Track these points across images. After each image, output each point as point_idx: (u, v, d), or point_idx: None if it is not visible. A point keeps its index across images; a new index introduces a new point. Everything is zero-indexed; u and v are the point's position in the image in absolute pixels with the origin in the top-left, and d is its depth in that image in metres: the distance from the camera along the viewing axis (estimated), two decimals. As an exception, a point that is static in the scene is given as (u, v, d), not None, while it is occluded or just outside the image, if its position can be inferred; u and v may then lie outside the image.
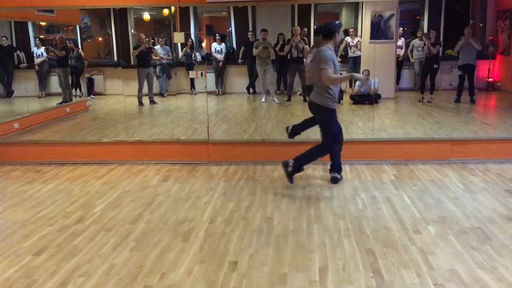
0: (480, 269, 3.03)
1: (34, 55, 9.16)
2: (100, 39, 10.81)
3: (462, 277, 2.93)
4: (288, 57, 8.96)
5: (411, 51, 9.80)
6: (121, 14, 9.65)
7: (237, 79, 10.55)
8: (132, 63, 9.43)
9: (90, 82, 9.76)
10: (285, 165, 4.70)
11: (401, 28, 10.29)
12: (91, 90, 9.73)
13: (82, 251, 3.43)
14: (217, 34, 10.37)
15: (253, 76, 10.02)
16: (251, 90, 10.27)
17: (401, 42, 10.29)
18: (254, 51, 9.17)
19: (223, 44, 10.39)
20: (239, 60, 10.42)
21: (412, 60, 9.88)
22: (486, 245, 3.38)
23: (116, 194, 4.71)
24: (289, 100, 8.98)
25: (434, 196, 4.44)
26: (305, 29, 9.59)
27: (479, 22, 9.58)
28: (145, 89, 8.81)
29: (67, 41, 9.16)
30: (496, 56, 9.72)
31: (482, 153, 5.57)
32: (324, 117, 4.68)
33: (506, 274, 2.95)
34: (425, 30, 10.12)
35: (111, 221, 4.00)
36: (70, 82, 9.05)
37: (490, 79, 9.64)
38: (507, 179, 4.92)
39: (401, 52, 10.25)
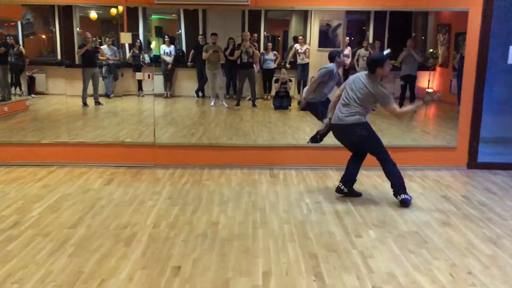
0: (416, 272, 3.15)
1: (-29, 51, 8.67)
2: (43, 36, 10.38)
3: (399, 279, 3.04)
4: (238, 62, 8.98)
5: (357, 60, 10.08)
6: (66, 11, 9.30)
7: (186, 82, 10.44)
8: (76, 62, 9.12)
9: (31, 81, 9.34)
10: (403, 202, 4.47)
11: (347, 38, 10.56)
12: (32, 89, 9.30)
13: (16, 257, 3.26)
14: (166, 36, 10.24)
15: (202, 80, 9.96)
16: (200, 94, 10.19)
17: (347, 51, 10.55)
18: (204, 55, 9.13)
19: (172, 46, 10.26)
20: (189, 63, 10.32)
21: (358, 69, 10.15)
22: (422, 248, 3.52)
23: (55, 198, 4.52)
24: (238, 104, 8.99)
25: (375, 201, 4.58)
26: (255, 35, 9.66)
27: (420, 35, 10.00)
28: (90, 90, 8.54)
29: (7, 37, 8.74)
30: (436, 67, 10.18)
31: (421, 160, 5.83)
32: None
33: (440, 277, 3.09)
34: (371, 41, 10.46)
35: (49, 226, 3.84)
36: (9, 80, 8.63)
37: (430, 90, 10.08)
38: (443, 185, 5.16)
39: (348, 60, 10.52)
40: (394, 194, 4.51)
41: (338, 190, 4.67)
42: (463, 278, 3.08)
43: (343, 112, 4.46)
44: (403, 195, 4.45)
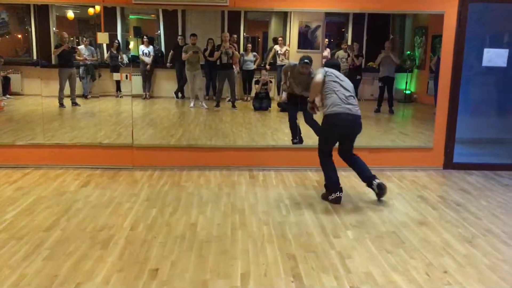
0: (393, 272, 3.18)
1: None
2: (18, 36, 10.18)
3: (377, 279, 3.07)
4: (218, 63, 8.97)
5: (336, 62, 10.16)
6: (42, 11, 9.15)
7: (165, 83, 10.36)
8: (53, 62, 8.97)
9: (6, 81, 9.15)
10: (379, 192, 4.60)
11: (326, 39, 10.63)
12: (6, 90, 9.12)
13: (-12, 262, 3.19)
14: (144, 36, 10.15)
15: (181, 81, 9.91)
16: (180, 95, 10.13)
17: (326, 52, 10.61)
18: (184, 56, 9.08)
19: (151, 46, 10.18)
20: (168, 64, 10.26)
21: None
22: (399, 248, 3.56)
23: (30, 200, 4.43)
24: (217, 105, 8.97)
25: (354, 201, 4.62)
26: (235, 36, 9.65)
27: (398, 37, 10.13)
28: (67, 90, 8.40)
29: (-19, 37, 8.55)
30: (413, 69, 10.33)
31: (398, 161, 5.90)
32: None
33: (416, 276, 3.12)
34: (349, 42, 10.55)
35: (23, 229, 3.76)
36: (-17, 80, 8.44)
37: (407, 91, 10.22)
38: (420, 185, 5.23)
39: (327, 62, 10.59)
40: (368, 184, 4.62)
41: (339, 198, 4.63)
42: (439, 277, 3.12)
43: (355, 104, 4.61)
44: (377, 179, 4.58)
